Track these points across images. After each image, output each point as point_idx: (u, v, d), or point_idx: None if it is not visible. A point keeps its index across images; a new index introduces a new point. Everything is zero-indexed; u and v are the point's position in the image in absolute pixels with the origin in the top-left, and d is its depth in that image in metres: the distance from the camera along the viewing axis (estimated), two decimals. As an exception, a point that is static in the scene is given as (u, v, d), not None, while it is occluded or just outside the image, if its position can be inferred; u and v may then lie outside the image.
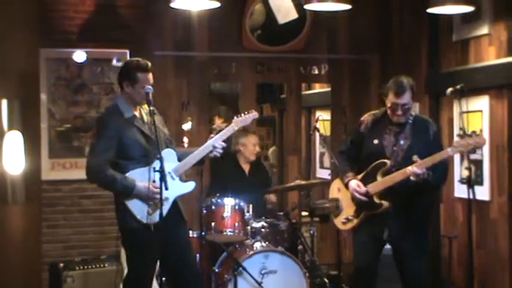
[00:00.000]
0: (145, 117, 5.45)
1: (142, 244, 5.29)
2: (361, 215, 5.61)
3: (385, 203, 5.46)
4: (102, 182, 5.35)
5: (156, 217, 5.21)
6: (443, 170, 5.56)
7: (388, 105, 5.54)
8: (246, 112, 5.97)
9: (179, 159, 5.52)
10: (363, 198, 5.53)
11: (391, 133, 5.58)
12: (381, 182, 5.48)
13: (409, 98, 5.50)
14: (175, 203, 5.44)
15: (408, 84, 5.48)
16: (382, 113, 5.70)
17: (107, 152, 5.24)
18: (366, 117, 5.80)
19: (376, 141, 5.60)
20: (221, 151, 5.60)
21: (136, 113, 5.37)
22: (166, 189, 5.04)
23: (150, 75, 5.39)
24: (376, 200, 5.49)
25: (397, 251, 5.66)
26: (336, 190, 5.94)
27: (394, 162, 5.46)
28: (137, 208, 5.27)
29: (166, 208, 5.24)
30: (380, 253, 5.77)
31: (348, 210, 5.73)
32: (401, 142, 5.53)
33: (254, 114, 5.96)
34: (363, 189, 5.54)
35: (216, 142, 5.55)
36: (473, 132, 5.38)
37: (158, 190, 5.12)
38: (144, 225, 5.25)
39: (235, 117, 5.95)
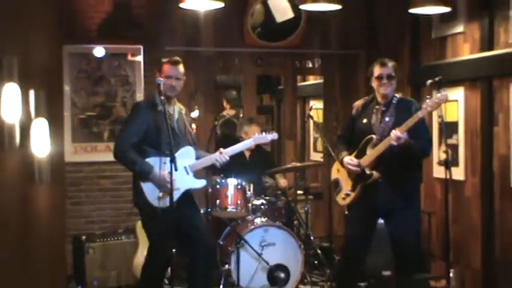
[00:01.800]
0: (176, 115, 5.49)
1: (152, 220, 5.34)
2: (357, 188, 5.60)
3: (375, 173, 5.46)
4: (124, 162, 5.43)
5: (164, 202, 5.24)
6: (428, 139, 5.67)
7: (375, 80, 5.58)
8: (267, 131, 6.09)
9: (197, 159, 5.56)
10: (356, 169, 5.53)
11: (377, 112, 5.60)
12: (369, 154, 5.49)
13: (393, 70, 5.58)
14: (188, 193, 5.48)
15: (390, 61, 5.61)
16: (371, 98, 5.75)
17: (133, 136, 5.32)
18: (357, 103, 5.84)
19: (365, 121, 5.64)
20: (221, 163, 5.59)
21: (170, 109, 5.37)
22: (176, 170, 5.06)
23: (173, 68, 5.41)
24: (367, 172, 5.50)
25: (388, 222, 5.65)
26: (336, 171, 5.92)
27: (381, 137, 5.47)
28: (149, 191, 5.31)
29: (176, 197, 5.23)
30: (373, 229, 5.72)
31: (346, 186, 5.72)
32: (387, 119, 5.54)
33: (274, 135, 6.05)
34: (355, 161, 5.55)
35: (223, 156, 5.57)
36: (437, 91, 5.36)
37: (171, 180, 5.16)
38: (152, 207, 5.29)
39: (256, 134, 6.01)
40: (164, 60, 5.48)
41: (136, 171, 5.33)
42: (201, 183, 5.59)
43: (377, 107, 5.64)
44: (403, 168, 5.50)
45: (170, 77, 5.40)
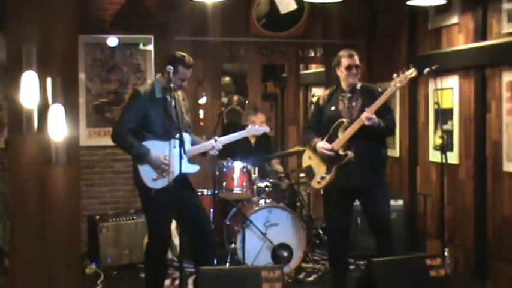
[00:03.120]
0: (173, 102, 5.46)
1: (149, 200, 5.35)
2: (332, 169, 5.52)
3: (350, 153, 5.42)
4: (121, 146, 5.39)
5: (159, 184, 5.26)
6: (392, 118, 5.60)
7: (343, 70, 5.55)
8: (260, 124, 6.18)
9: (192, 144, 5.55)
10: (330, 153, 5.48)
11: (344, 99, 5.58)
12: (342, 137, 5.44)
13: (358, 61, 5.59)
14: (184, 176, 5.38)
15: (355, 52, 5.64)
16: (334, 88, 5.72)
17: (131, 122, 5.26)
18: (323, 93, 5.82)
19: (333, 108, 5.60)
20: (217, 153, 5.59)
21: (168, 96, 5.34)
22: (185, 153, 5.08)
23: (188, 72, 5.38)
24: (341, 153, 5.45)
25: (364, 198, 5.60)
26: (307, 159, 5.83)
27: (350, 120, 5.45)
28: (145, 173, 5.28)
29: (171, 178, 5.23)
30: (351, 211, 5.74)
31: (320, 170, 5.64)
32: (354, 104, 5.53)
33: (266, 128, 6.03)
34: (328, 145, 5.51)
35: (218, 144, 5.54)
36: (404, 70, 5.37)
37: (168, 162, 5.19)
38: (147, 188, 5.30)
39: (249, 126, 6.00)
40: (178, 56, 5.36)
41: (134, 154, 5.31)
42: (194, 168, 5.51)
43: (343, 94, 5.61)
44: (371, 146, 5.48)
45: (184, 80, 5.41)
